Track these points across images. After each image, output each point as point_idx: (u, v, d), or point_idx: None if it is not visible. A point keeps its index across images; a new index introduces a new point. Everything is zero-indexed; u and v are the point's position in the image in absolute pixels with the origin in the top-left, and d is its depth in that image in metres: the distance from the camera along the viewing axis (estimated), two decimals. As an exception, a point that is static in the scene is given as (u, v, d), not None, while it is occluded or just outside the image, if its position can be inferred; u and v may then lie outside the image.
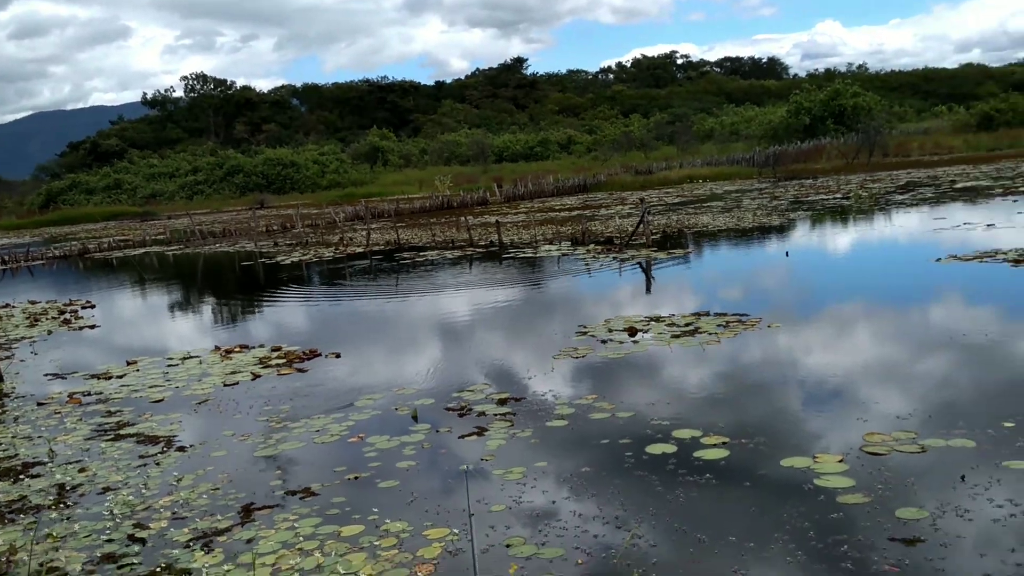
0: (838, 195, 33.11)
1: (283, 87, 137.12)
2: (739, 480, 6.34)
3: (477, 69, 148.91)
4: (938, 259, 15.74)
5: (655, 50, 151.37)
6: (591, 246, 22.94)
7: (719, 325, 11.67)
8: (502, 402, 8.86)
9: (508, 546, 5.48)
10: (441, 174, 64.92)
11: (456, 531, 5.77)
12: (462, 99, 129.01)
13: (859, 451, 6.68)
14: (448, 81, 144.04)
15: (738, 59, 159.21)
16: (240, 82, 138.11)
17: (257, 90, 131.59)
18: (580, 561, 5.22)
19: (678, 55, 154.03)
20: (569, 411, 8.36)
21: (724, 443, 7.08)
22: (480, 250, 25.30)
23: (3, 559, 5.78)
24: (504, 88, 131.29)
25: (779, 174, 50.52)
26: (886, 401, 7.92)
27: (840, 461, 6.48)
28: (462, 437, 7.84)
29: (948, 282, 13.89)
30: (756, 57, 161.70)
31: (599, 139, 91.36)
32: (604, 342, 11.32)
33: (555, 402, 8.72)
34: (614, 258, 20.29)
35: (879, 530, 5.34)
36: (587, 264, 19.83)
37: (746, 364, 9.80)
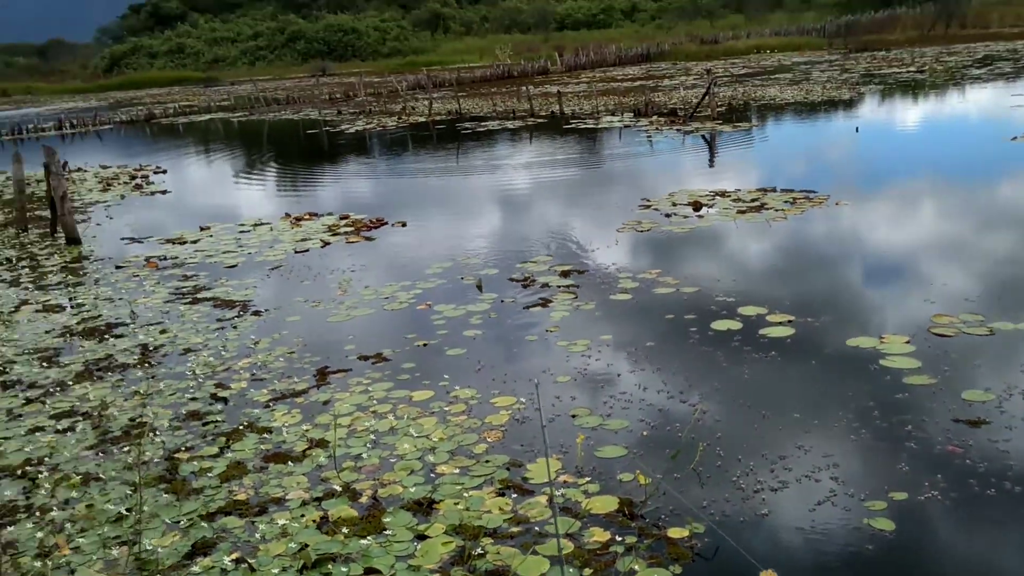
0: (912, 69, 31.70)
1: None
2: (804, 358, 6.38)
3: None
4: (1013, 138, 15.12)
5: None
6: (654, 118, 22.48)
7: (786, 201, 11.48)
8: (565, 274, 8.94)
9: (574, 416, 5.65)
10: (502, 43, 63.47)
11: (523, 400, 5.95)
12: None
13: (926, 332, 6.65)
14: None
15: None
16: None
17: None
18: (645, 433, 5.36)
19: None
20: (633, 285, 8.41)
21: (790, 321, 7.09)
22: (541, 120, 24.97)
23: (96, 414, 6.15)
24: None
25: (850, 45, 48.27)
26: (954, 282, 7.80)
27: (907, 342, 6.46)
28: (527, 308, 7.96)
29: (1021, 162, 13.38)
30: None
31: (664, 7, 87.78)
32: (668, 216, 11.25)
33: (618, 275, 8.77)
34: (678, 130, 19.88)
35: (944, 411, 5.36)
36: (649, 136, 19.49)
37: (813, 242, 9.68)
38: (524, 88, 32.44)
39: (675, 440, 5.21)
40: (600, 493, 4.70)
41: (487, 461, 5.09)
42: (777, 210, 11.07)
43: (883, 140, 17.26)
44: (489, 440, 5.37)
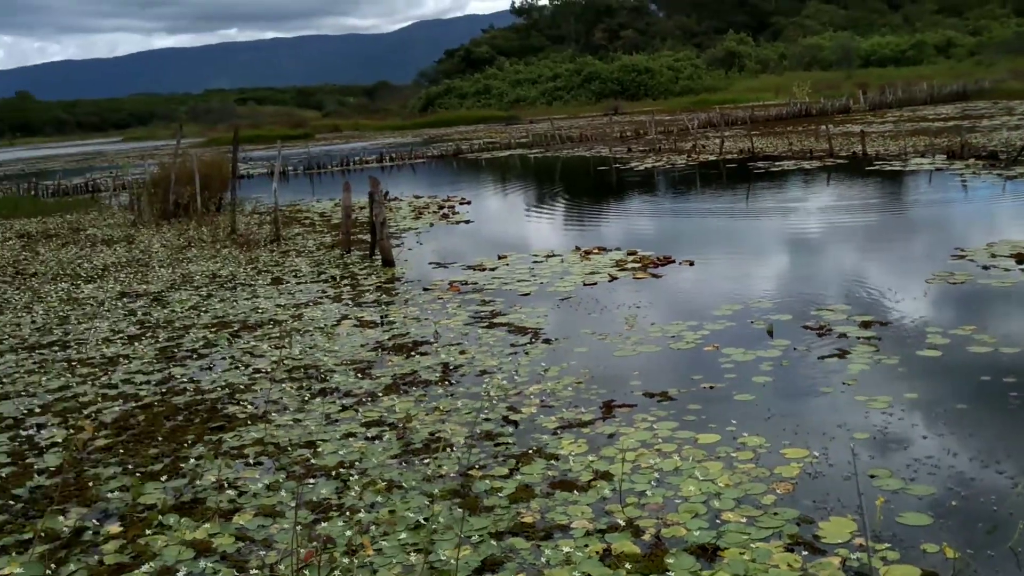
0: None
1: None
2: None
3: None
4: None
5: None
6: (970, 160, 20.67)
7: None
8: (865, 325, 8.42)
9: (872, 476, 5.28)
10: (800, 80, 61.41)
11: (816, 453, 5.66)
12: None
13: None
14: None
15: None
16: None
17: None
18: (953, 503, 4.90)
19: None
20: (943, 341, 7.75)
21: None
22: (840, 161, 23.81)
23: (400, 425, 6.64)
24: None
25: None
26: None
27: None
28: (821, 358, 7.59)
29: None
30: None
31: (984, 41, 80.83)
32: (986, 268, 10.27)
33: (926, 330, 8.12)
34: (998, 175, 18.13)
35: None
36: (964, 180, 17.93)
37: None
38: (823, 127, 31.12)
39: (989, 514, 4.72)
40: (900, 562, 4.35)
41: (776, 513, 4.89)
42: (1123, 268, 9.74)
43: None
44: (778, 492, 5.16)
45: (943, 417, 6.14)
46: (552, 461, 5.80)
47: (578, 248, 13.63)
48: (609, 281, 11.26)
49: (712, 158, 27.63)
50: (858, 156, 24.35)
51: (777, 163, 24.54)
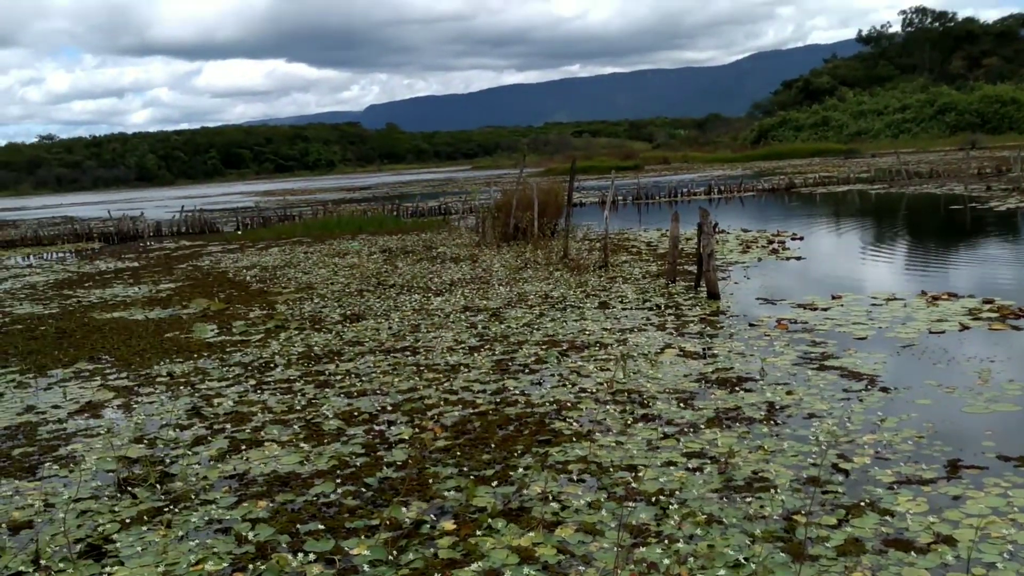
0: None
1: (1011, 16, 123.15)
2: None
3: None
4: None
5: None
6: None
7: None
8: None
9: None
10: None
11: None
12: None
13: None
14: None
15: None
16: (963, 13, 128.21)
17: (981, 21, 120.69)
18: None
19: None
20: None
21: None
22: None
23: (722, 460, 6.52)
24: None
25: None
26: None
27: None
28: None
29: None
30: None
31: None
32: None
33: None
34: None
35: None
36: None
37: None
38: None
39: None
40: None
41: None
42: None
43: None
44: None
45: None
46: (886, 517, 5.38)
47: (924, 293, 12.58)
48: (960, 330, 10.27)
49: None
50: None
51: None
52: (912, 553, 4.90)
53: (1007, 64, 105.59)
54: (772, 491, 5.85)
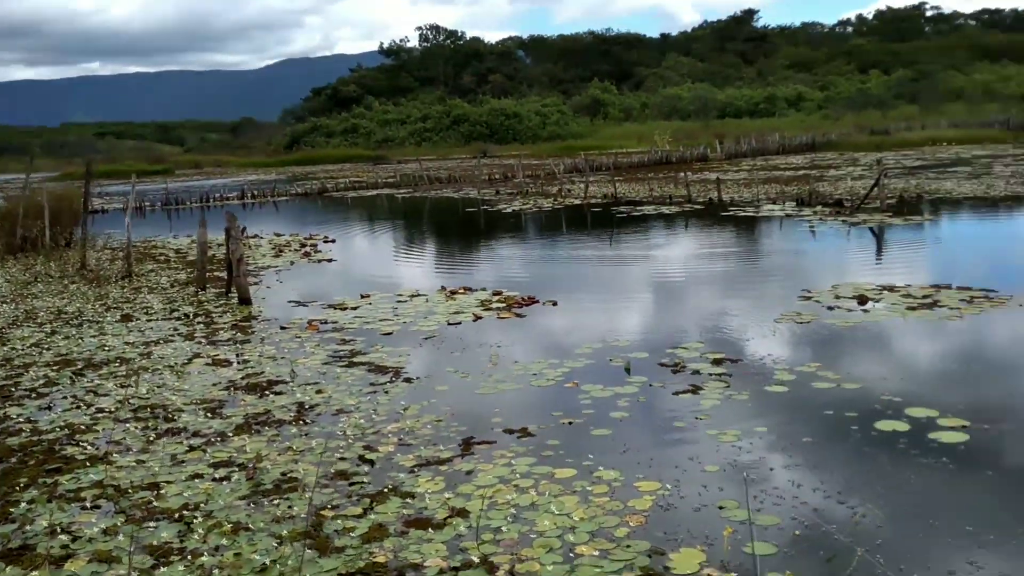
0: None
1: (510, 39, 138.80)
2: (979, 467, 5.90)
3: (705, 21, 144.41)
4: None
5: (903, 0, 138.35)
6: (818, 208, 21.89)
7: (962, 300, 10.82)
8: (717, 362, 8.69)
9: (721, 508, 5.41)
10: (661, 129, 63.86)
11: (668, 486, 5.75)
12: (687, 52, 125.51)
13: (1123, 449, 6.03)
14: (674, 34, 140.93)
15: (998, 11, 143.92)
16: (471, 33, 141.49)
17: (486, 41, 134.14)
18: (797, 532, 5.06)
19: (928, 6, 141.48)
20: (790, 377, 8.07)
21: (964, 426, 6.59)
22: (698, 207, 24.77)
23: (250, 465, 6.37)
24: (732, 41, 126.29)
25: (1039, 140, 45.71)
26: None
27: (1100, 458, 5.88)
28: (676, 394, 7.77)
29: None
30: (1021, 9, 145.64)
31: (832, 96, 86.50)
32: (830, 309, 10.81)
33: (775, 367, 8.45)
34: (843, 221, 19.26)
35: None
36: (812, 226, 18.95)
37: (992, 343, 9.05)
38: (682, 174, 32.37)
39: (831, 543, 4.89)
40: (747, 592, 4.44)
41: (628, 546, 4.92)
42: (952, 308, 10.45)
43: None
44: (631, 524, 5.21)
45: (789, 450, 6.36)
46: (408, 499, 5.67)
47: (443, 288, 13.59)
48: (474, 320, 11.25)
49: (577, 202, 28.25)
50: (714, 202, 25.39)
51: (639, 208, 25.30)
52: (430, 530, 5.21)
53: (509, 81, 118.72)
54: (301, 490, 5.85)
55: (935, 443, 6.31)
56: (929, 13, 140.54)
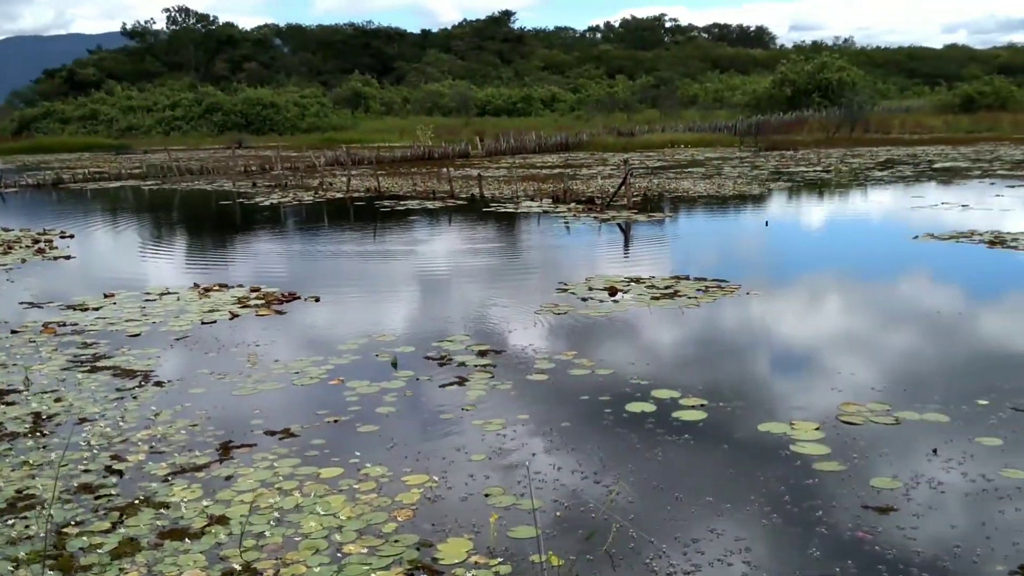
0: (818, 168, 33.21)
1: (266, 26, 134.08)
2: (716, 442, 6.43)
3: (464, 20, 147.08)
4: (915, 237, 15.87)
5: (645, 11, 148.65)
6: (572, 204, 22.90)
7: (699, 289, 11.74)
8: (482, 354, 8.89)
9: (487, 495, 5.54)
10: (423, 124, 64.24)
11: (435, 478, 5.80)
12: (447, 49, 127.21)
13: (835, 420, 6.79)
14: (434, 30, 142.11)
15: (726, 26, 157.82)
16: (224, 18, 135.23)
17: (240, 27, 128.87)
18: (558, 513, 5.28)
19: (667, 18, 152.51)
20: (549, 366, 8.40)
21: (702, 405, 7.16)
22: (461, 202, 25.18)
23: (-22, 484, 5.75)
24: (490, 41, 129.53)
25: (760, 144, 50.41)
26: (861, 373, 8.03)
27: (816, 429, 6.58)
28: (442, 386, 7.86)
29: (924, 260, 14.05)
30: (744, 25, 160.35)
31: (583, 98, 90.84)
32: (584, 300, 11.36)
33: (535, 357, 8.76)
34: (594, 218, 20.28)
35: (853, 497, 5.44)
36: (567, 222, 19.81)
37: (725, 329, 9.88)
38: (445, 170, 32.75)
39: (589, 521, 5.14)
40: (512, 574, 4.58)
41: (396, 541, 4.92)
42: (690, 298, 11.30)
43: (792, 235, 17.94)
44: (399, 519, 5.21)
45: (549, 436, 6.62)
46: (162, 510, 5.35)
47: (196, 285, 12.91)
48: (230, 319, 10.78)
49: (340, 195, 27.82)
50: (476, 198, 25.90)
51: (402, 202, 25.32)
52: (187, 540, 4.94)
53: (265, 69, 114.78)
54: (39, 508, 5.35)
55: (678, 421, 6.81)
56: (668, 24, 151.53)
